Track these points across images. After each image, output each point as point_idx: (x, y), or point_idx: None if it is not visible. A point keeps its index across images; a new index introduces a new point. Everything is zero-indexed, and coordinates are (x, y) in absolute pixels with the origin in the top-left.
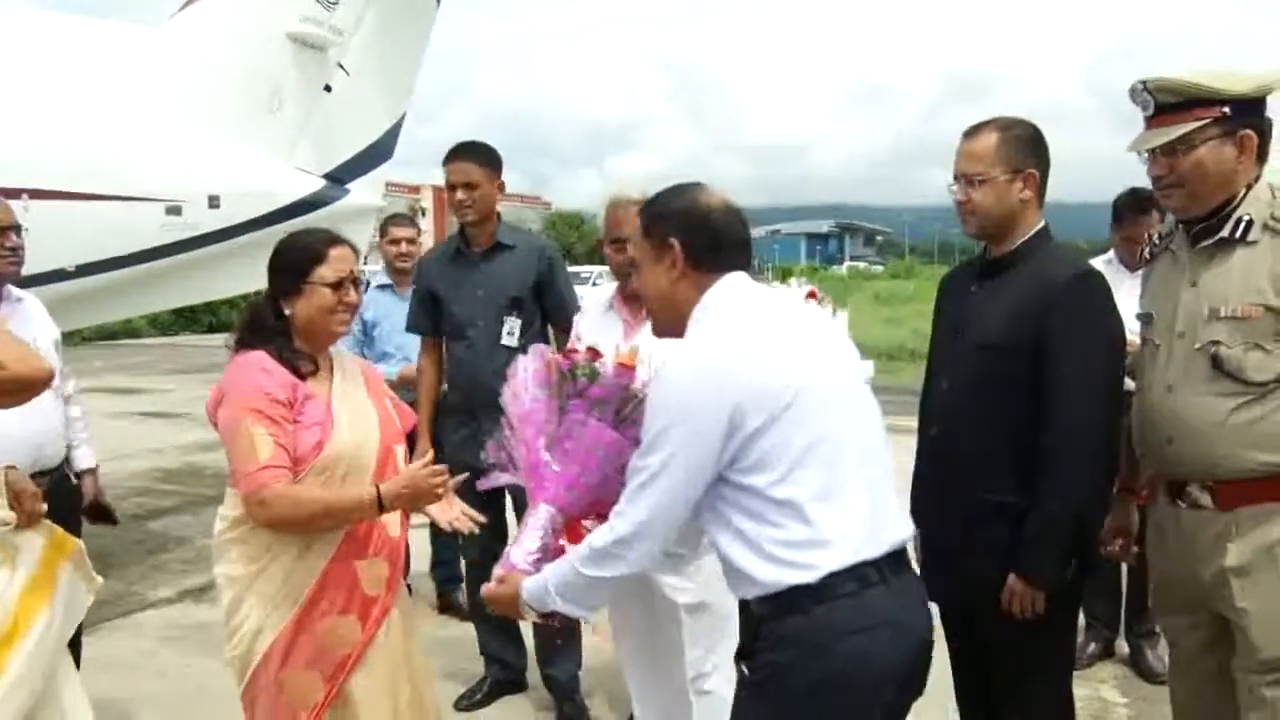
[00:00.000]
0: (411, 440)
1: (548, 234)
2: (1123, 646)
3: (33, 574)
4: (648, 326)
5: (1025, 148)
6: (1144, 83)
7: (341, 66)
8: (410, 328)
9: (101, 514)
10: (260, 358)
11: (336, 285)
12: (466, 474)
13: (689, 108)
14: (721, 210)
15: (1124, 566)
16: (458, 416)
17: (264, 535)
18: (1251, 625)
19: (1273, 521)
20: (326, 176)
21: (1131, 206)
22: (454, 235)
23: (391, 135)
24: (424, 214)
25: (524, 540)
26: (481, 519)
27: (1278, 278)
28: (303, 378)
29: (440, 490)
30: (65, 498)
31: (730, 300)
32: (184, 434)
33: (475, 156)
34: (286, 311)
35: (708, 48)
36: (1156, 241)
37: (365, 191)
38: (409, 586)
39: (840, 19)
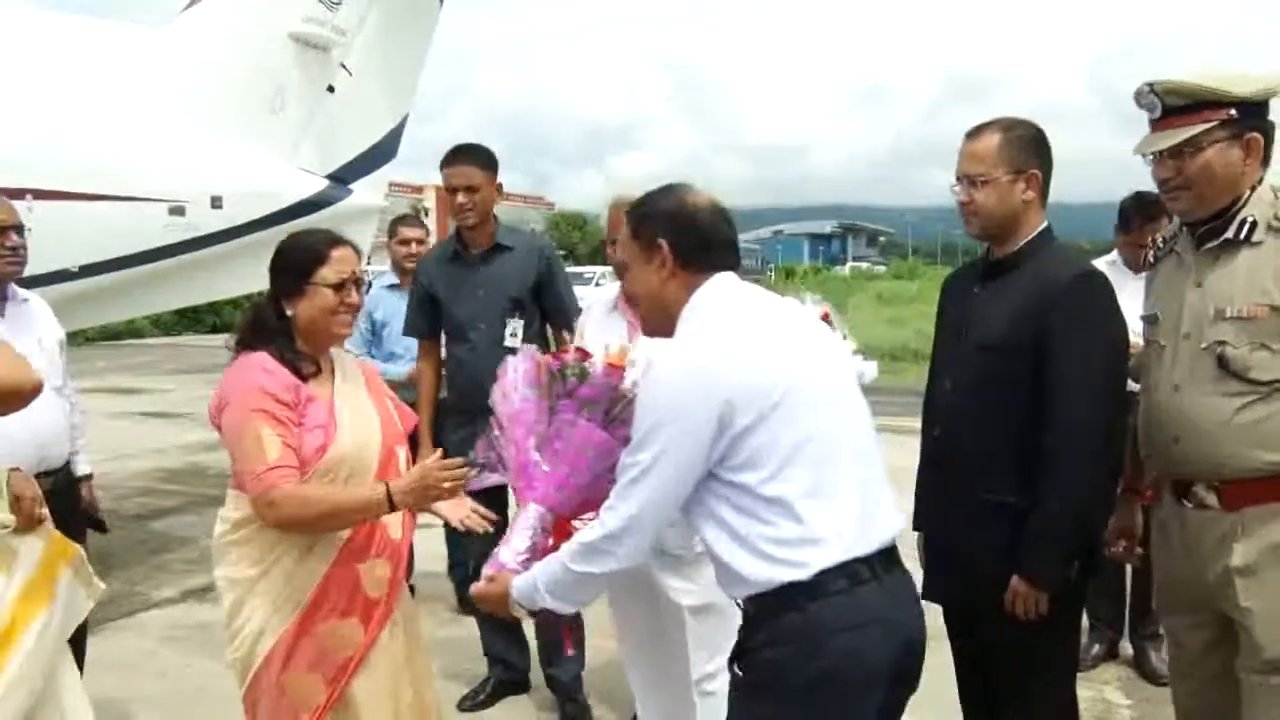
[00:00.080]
0: (413, 442)
1: (551, 234)
2: (1126, 648)
3: (30, 579)
4: None
5: (1028, 148)
6: (1151, 85)
7: (344, 67)
8: (407, 331)
9: (92, 524)
10: (262, 359)
11: (338, 286)
12: (479, 467)
13: (689, 108)
14: (708, 210)
15: (1128, 568)
16: (458, 417)
17: (267, 537)
18: (1256, 625)
19: (1278, 521)
20: (329, 177)
21: (1139, 211)
22: (451, 237)
23: (394, 136)
24: (427, 214)
25: (513, 539)
26: (494, 516)
27: None
28: (305, 379)
29: (452, 486)
30: (69, 499)
31: (719, 300)
32: (187, 434)
33: (475, 159)
34: (288, 312)
35: (708, 48)
36: (1161, 244)
37: (368, 192)
38: (412, 588)
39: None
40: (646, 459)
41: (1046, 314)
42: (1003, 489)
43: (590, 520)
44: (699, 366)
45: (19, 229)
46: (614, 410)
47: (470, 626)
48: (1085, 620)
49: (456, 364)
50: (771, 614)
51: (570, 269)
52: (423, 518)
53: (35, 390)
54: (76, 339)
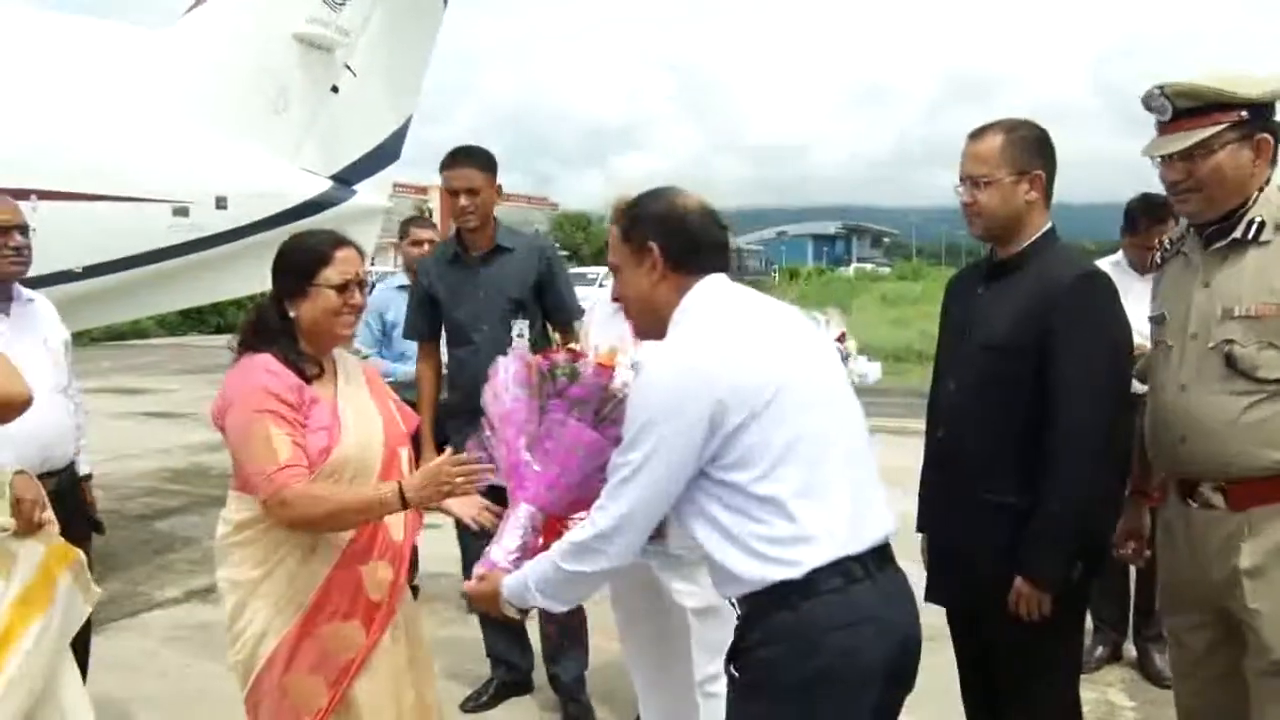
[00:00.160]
0: (415, 443)
1: (555, 235)
2: (1130, 650)
3: (29, 583)
4: None
5: (1031, 149)
6: (1161, 88)
7: (348, 67)
8: (407, 333)
9: (89, 525)
10: (265, 360)
11: (342, 287)
12: (491, 464)
13: (691, 108)
14: (698, 213)
15: (1131, 570)
16: (459, 418)
17: (269, 539)
18: (1264, 626)
19: None
20: (333, 178)
21: (1147, 213)
22: (451, 239)
23: (398, 136)
24: (431, 215)
25: (504, 538)
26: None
27: None
28: (308, 380)
29: (465, 482)
30: (73, 499)
31: (710, 301)
32: (191, 434)
33: (475, 161)
34: (291, 314)
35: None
36: (1168, 246)
37: (372, 193)
38: (415, 589)
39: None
40: (638, 458)
41: (1049, 314)
42: (1005, 490)
43: (581, 519)
44: (691, 366)
45: (23, 229)
46: (604, 410)
47: (473, 627)
48: (1089, 622)
49: (458, 365)
50: (764, 613)
51: (574, 270)
52: (429, 518)
53: (26, 403)
54: (81, 339)
